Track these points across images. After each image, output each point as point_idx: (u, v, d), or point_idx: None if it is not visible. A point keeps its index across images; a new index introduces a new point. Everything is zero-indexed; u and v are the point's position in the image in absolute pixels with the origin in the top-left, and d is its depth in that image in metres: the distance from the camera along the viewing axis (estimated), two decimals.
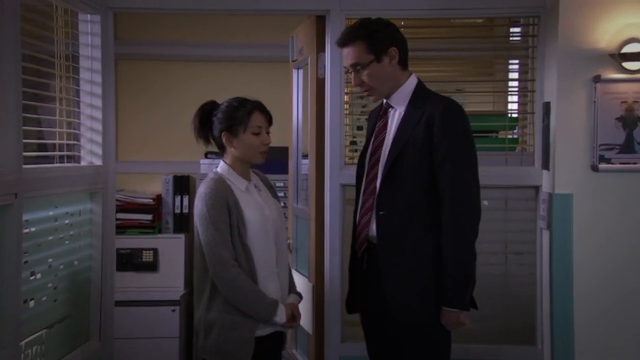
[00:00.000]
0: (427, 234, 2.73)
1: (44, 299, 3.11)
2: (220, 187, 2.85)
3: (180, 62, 5.29)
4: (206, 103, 2.99)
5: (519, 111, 4.08)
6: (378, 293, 2.81)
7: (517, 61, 4.50)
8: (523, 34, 4.12)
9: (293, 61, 4.26)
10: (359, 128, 3.89)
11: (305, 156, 4.17)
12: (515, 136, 4.03)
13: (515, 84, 4.59)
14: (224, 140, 2.92)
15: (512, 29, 4.58)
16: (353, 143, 3.79)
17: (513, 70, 4.82)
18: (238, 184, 2.92)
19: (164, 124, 5.27)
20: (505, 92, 4.59)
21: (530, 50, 3.92)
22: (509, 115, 4.26)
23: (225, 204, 2.82)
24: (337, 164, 3.65)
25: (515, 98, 4.62)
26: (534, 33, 3.67)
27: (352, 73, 2.85)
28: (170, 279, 4.77)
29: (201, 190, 2.87)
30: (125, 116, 5.23)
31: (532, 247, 3.61)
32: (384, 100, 2.91)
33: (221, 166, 2.97)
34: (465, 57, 4.23)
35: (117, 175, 4.51)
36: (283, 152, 4.40)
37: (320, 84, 3.74)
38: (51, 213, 3.19)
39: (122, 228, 4.71)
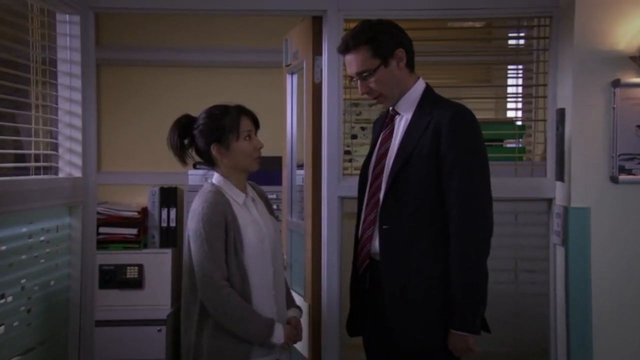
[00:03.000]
0: (434, 250, 2.57)
1: (15, 323, 2.87)
2: (219, 201, 2.68)
3: (167, 67, 5.17)
4: (181, 117, 2.83)
5: (523, 119, 3.93)
6: (381, 314, 2.64)
7: (520, 66, 4.38)
8: (528, 37, 3.96)
9: (287, 65, 4.09)
10: (354, 137, 3.76)
11: (300, 166, 4.00)
12: (520, 145, 3.83)
13: (517, 90, 4.46)
14: (214, 152, 2.74)
15: (512, 33, 4.45)
16: (347, 152, 3.61)
17: (512, 76, 4.70)
18: (236, 197, 2.76)
19: (150, 133, 5.07)
20: (505, 99, 4.48)
21: (536, 53, 3.79)
22: (514, 122, 4.11)
23: (222, 219, 2.65)
24: (335, 175, 3.46)
25: (515, 105, 4.49)
26: (544, 35, 3.49)
27: (358, 81, 2.69)
28: (156, 296, 4.63)
29: (197, 204, 2.69)
30: (109, 125, 5.13)
31: (545, 264, 3.41)
32: (390, 107, 2.75)
33: (216, 178, 2.80)
34: (463, 62, 4.06)
35: (100, 187, 4.44)
36: (276, 162, 4.23)
37: (316, 90, 3.55)
38: (24, 229, 2.96)
39: (106, 243, 4.59)
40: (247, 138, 2.74)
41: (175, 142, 2.78)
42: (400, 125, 2.69)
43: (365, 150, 2.92)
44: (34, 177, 3.14)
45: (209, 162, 2.81)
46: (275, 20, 4.46)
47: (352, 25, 2.89)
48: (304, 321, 3.50)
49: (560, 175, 3.26)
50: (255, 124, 2.81)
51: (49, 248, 3.14)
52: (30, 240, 2.99)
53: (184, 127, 2.80)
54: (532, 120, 3.71)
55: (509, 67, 4.60)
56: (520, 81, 4.56)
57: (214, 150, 2.74)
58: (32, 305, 2.99)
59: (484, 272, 2.55)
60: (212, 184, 2.77)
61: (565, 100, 3.23)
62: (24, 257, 2.94)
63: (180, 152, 2.80)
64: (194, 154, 2.85)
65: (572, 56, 3.15)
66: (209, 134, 2.74)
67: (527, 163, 3.58)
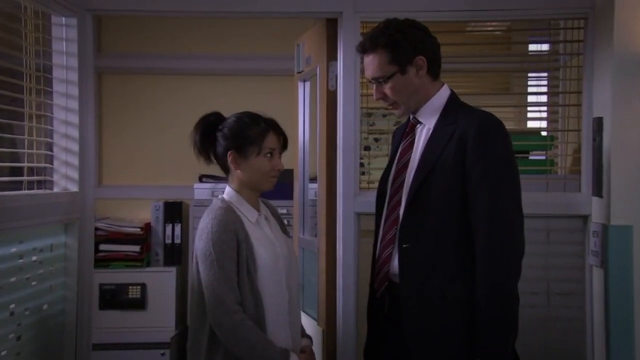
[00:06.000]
0: (459, 272, 2.40)
1: (3, 353, 2.68)
2: (230, 218, 2.52)
3: (171, 75, 5.05)
4: (210, 114, 2.67)
5: (551, 129, 3.73)
6: (401, 341, 2.46)
7: (544, 74, 4.20)
8: (557, 41, 3.78)
9: (299, 72, 3.92)
10: (367, 148, 3.57)
11: (313, 180, 3.84)
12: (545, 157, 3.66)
13: (542, 98, 4.28)
14: (229, 160, 2.59)
15: (534, 38, 4.27)
16: (360, 165, 3.43)
17: (534, 84, 4.53)
18: (248, 215, 2.60)
19: (154, 144, 5.02)
20: (528, 107, 4.29)
21: (563, 58, 3.64)
22: (539, 133, 3.92)
23: (234, 238, 2.49)
24: (352, 190, 3.26)
25: (539, 114, 4.30)
26: (577, 38, 3.26)
27: (374, 85, 2.53)
28: (159, 318, 4.49)
29: (206, 221, 2.52)
30: (110, 136, 5.04)
31: (580, 286, 3.18)
32: (411, 116, 2.58)
33: (227, 192, 2.64)
34: (484, 70, 3.89)
35: (101, 202, 4.33)
36: (287, 174, 3.94)
37: (331, 97, 3.37)
38: (14, 250, 2.78)
39: (106, 261, 4.48)
40: (268, 156, 2.59)
41: (196, 139, 2.63)
42: (422, 135, 2.52)
43: (379, 163, 2.78)
44: (26, 192, 2.97)
45: (224, 170, 2.66)
46: (285, 24, 4.38)
47: (370, 28, 2.74)
48: (318, 347, 3.34)
49: (597, 190, 3.03)
50: (283, 143, 2.66)
51: (42, 269, 2.98)
52: (20, 260, 2.83)
53: (210, 125, 2.64)
54: (562, 131, 3.51)
55: (531, 74, 4.43)
56: (543, 89, 4.36)
57: (229, 157, 2.59)
58: (22, 332, 2.82)
59: (515, 296, 2.38)
60: (223, 200, 2.61)
61: (603, 108, 3.01)
62: (13, 279, 2.77)
63: (201, 150, 2.65)
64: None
65: (611, 61, 2.92)
66: (230, 139, 2.59)
67: (559, 177, 3.36)
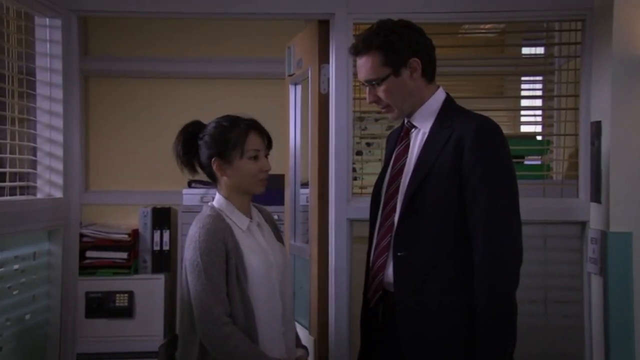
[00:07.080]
0: (455, 279, 2.36)
1: None
2: (218, 226, 2.46)
3: (160, 79, 5.02)
4: (189, 124, 2.61)
5: (546, 133, 3.65)
6: (396, 350, 2.41)
7: (539, 77, 4.17)
8: (553, 43, 3.74)
9: (290, 75, 3.85)
10: (359, 153, 3.54)
11: (304, 185, 3.77)
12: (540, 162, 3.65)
13: (530, 102, 4.27)
14: (214, 167, 2.53)
15: (528, 41, 4.25)
16: (352, 170, 3.37)
17: (528, 88, 4.50)
18: (239, 223, 2.54)
19: (142, 149, 4.96)
20: (521, 111, 4.26)
21: (558, 61, 3.58)
22: (534, 137, 3.88)
23: (222, 247, 2.44)
24: (344, 195, 3.19)
25: (534, 118, 4.27)
26: (574, 40, 3.21)
27: (367, 88, 2.48)
28: (147, 326, 4.45)
29: (194, 230, 2.48)
30: (97, 140, 5.00)
31: (578, 294, 3.11)
32: (405, 120, 2.52)
33: (217, 200, 2.58)
34: (478, 73, 3.87)
35: (88, 208, 4.29)
36: (278, 180, 3.96)
37: (322, 101, 3.31)
38: None
39: (93, 268, 4.44)
40: (253, 157, 2.53)
41: (179, 150, 2.58)
42: (417, 140, 2.47)
43: (372, 168, 2.71)
44: (8, 198, 2.91)
45: (211, 178, 2.61)
46: (278, 27, 4.34)
47: (362, 29, 2.67)
48: (310, 357, 3.26)
49: (596, 196, 2.97)
50: (268, 143, 2.59)
51: (24, 277, 2.91)
52: (1, 269, 2.77)
53: (190, 135, 2.59)
54: (559, 135, 3.46)
55: (526, 77, 4.39)
56: (538, 92, 4.33)
57: (214, 164, 2.53)
58: (3, 344, 2.76)
59: (513, 303, 2.33)
60: (212, 207, 2.55)
61: (602, 112, 2.95)
62: None
63: (184, 161, 2.59)
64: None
65: (610, 62, 2.87)
66: (212, 146, 2.53)
67: (556, 182, 3.31)
